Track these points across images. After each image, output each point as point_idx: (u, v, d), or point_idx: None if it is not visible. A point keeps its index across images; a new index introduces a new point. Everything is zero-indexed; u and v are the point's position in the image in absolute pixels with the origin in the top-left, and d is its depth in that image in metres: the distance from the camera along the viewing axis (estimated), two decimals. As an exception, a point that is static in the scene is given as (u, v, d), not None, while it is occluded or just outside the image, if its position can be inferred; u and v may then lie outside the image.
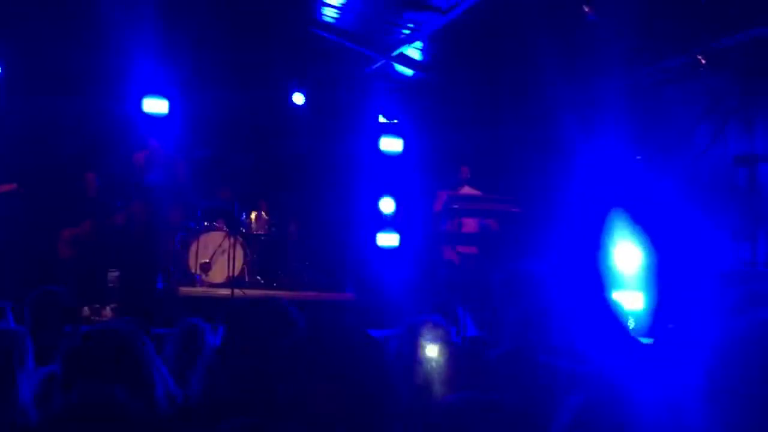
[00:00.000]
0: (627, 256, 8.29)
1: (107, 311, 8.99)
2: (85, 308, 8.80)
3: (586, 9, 7.67)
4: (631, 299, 7.85)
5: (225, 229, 10.15)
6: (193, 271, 10.09)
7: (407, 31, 9.71)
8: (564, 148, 8.61)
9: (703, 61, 7.75)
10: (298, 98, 11.33)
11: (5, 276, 9.06)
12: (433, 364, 3.29)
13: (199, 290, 9.79)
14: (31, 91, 10.37)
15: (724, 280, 3.92)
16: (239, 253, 10.02)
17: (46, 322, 4.93)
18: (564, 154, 8.73)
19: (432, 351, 3.48)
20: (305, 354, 2.08)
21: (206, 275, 10.05)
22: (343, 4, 9.94)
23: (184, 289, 9.58)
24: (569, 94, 9.59)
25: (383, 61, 10.68)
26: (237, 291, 9.02)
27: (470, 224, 9.33)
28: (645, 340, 4.47)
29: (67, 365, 2.73)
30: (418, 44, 10.09)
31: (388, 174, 10.46)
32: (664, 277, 7.83)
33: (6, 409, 3.14)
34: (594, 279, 7.63)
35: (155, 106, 9.34)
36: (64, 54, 10.01)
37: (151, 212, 9.09)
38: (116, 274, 9.83)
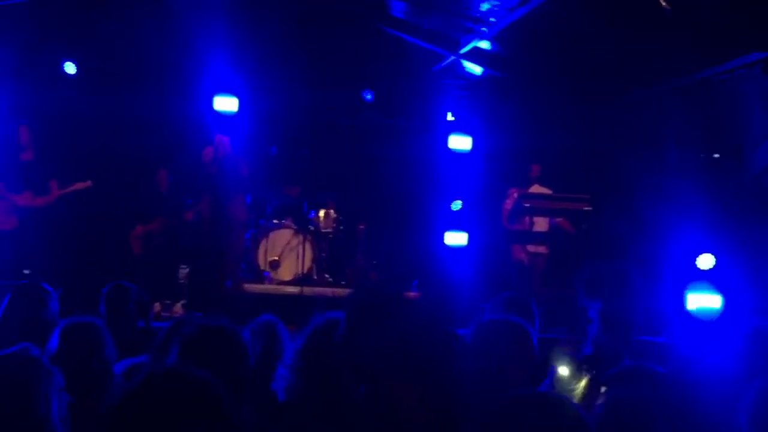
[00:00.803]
0: (703, 258, 8.07)
1: (178, 307, 9.11)
2: (156, 304, 8.93)
3: (663, 3, 7.49)
4: (709, 300, 7.63)
5: (294, 226, 10.18)
6: (261, 268, 10.15)
7: (479, 28, 9.63)
8: (637, 144, 8.48)
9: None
10: (367, 98, 11.33)
11: (80, 271, 9.23)
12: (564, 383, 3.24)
13: (267, 287, 9.85)
14: (105, 90, 10.57)
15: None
16: (308, 250, 10.04)
17: (119, 315, 5.00)
18: (636, 151, 8.59)
19: (564, 370, 3.44)
20: (389, 352, 2.04)
21: (275, 273, 10.10)
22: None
23: (252, 286, 9.64)
24: (642, 90, 9.42)
25: (452, 59, 10.61)
26: (306, 289, 9.05)
27: (541, 223, 9.21)
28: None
29: (182, 355, 2.73)
30: (487, 42, 9.99)
31: (457, 172, 10.36)
32: (736, 280, 7.62)
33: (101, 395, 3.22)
34: (671, 279, 7.46)
35: (226, 104, 9.41)
36: (136, 53, 10.17)
37: (219, 209, 9.17)
38: (186, 270, 9.97)
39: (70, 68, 10.55)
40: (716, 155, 8.31)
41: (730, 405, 2.57)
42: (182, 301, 9.23)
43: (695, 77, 8.57)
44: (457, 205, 10.08)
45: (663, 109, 9.31)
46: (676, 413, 2.31)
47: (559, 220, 9.16)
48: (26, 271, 8.97)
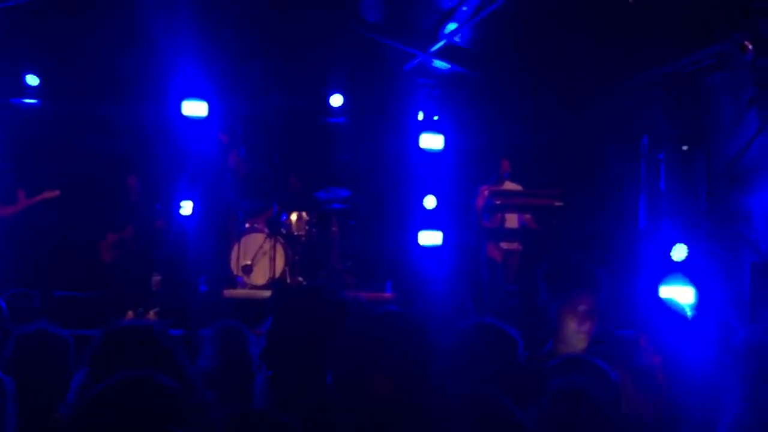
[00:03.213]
0: (676, 249, 8.08)
1: (151, 315, 9.02)
2: (129, 312, 8.84)
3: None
4: (682, 293, 7.65)
5: (266, 230, 10.11)
6: (234, 273, 10.08)
7: (448, 25, 9.64)
8: (607, 138, 8.50)
9: (750, 47, 7.52)
10: (337, 99, 11.32)
11: (51, 280, 9.14)
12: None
13: (241, 292, 9.77)
14: (71, 99, 10.50)
15: None
16: (280, 254, 9.98)
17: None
18: (607, 145, 8.61)
19: None
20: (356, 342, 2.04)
21: (248, 277, 10.03)
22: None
23: (227, 292, 9.56)
24: (611, 84, 9.45)
25: (422, 58, 10.59)
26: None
27: (513, 220, 9.20)
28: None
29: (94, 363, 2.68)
30: (457, 38, 9.99)
31: (430, 171, 10.34)
32: (711, 270, 7.63)
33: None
34: (644, 271, 7.47)
35: (194, 108, 9.33)
36: (101, 60, 10.11)
37: (192, 215, 9.10)
38: (159, 278, 9.89)
39: (32, 80, 10.48)
40: (685, 147, 8.33)
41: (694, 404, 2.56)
42: (156, 309, 9.14)
43: (663, 70, 8.61)
44: (429, 201, 10.07)
45: (633, 102, 9.35)
46: (610, 408, 2.28)
47: (526, 216, 9.16)
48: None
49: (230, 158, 8.96)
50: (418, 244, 9.99)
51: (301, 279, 10.45)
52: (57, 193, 9.55)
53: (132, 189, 10.22)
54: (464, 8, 9.04)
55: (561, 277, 3.77)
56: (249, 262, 10.05)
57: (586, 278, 3.74)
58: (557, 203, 8.50)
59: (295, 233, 10.41)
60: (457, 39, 10.02)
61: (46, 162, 10.29)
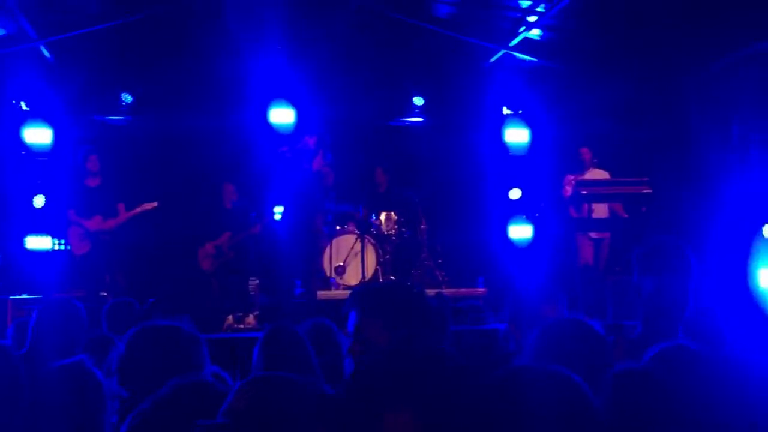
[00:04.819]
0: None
1: (250, 319, 9.26)
2: (229, 317, 9.09)
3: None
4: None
5: (356, 231, 10.27)
6: (327, 274, 10.27)
7: (527, 18, 9.58)
8: (696, 122, 8.30)
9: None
10: (420, 99, 11.41)
11: (154, 290, 9.45)
12: None
13: (334, 293, 9.94)
14: (165, 112, 10.87)
15: None
16: (371, 254, 10.12)
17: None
18: (696, 130, 8.41)
19: None
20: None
21: (341, 278, 10.20)
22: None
23: (321, 293, 9.75)
24: (699, 67, 9.22)
25: (503, 52, 10.56)
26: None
27: (602, 209, 9.09)
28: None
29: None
30: (538, 31, 9.93)
31: (516, 165, 10.30)
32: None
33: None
34: (738, 260, 7.27)
35: (282, 115, 9.57)
36: (192, 72, 10.43)
37: (287, 219, 9.29)
38: (256, 282, 10.15)
39: (127, 98, 10.90)
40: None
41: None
42: (254, 313, 9.37)
43: (754, 48, 8.35)
44: (516, 194, 10.04)
45: (723, 85, 9.10)
46: (711, 397, 2.23)
47: (615, 205, 9.02)
48: (103, 294, 9.25)
49: (316, 162, 9.11)
50: (508, 238, 9.98)
51: (393, 278, 10.57)
52: (155, 204, 9.87)
53: (227, 196, 10.51)
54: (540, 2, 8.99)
55: (655, 258, 3.79)
56: (341, 264, 10.23)
57: (680, 261, 3.75)
58: (646, 190, 8.36)
59: (385, 233, 10.53)
60: (538, 32, 9.97)
61: (143, 175, 10.68)
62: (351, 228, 10.43)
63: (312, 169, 9.05)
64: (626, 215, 9.05)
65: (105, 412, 2.95)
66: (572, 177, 9.20)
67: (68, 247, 9.57)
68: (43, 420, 2.87)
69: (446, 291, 9.93)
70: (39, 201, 9.43)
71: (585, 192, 8.61)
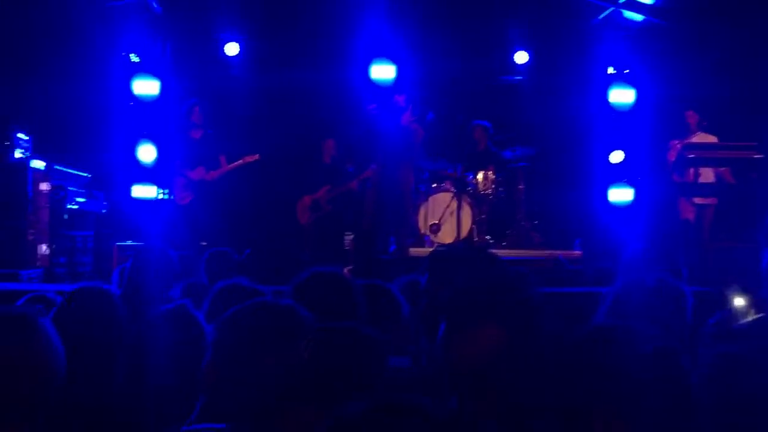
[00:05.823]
0: None
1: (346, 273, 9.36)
2: (322, 270, 9.19)
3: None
4: None
5: (452, 189, 10.22)
6: (422, 232, 10.29)
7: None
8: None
9: None
10: (522, 56, 11.21)
11: (251, 241, 9.66)
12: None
13: (428, 251, 9.94)
14: (267, 67, 11.00)
15: None
16: (467, 213, 10.07)
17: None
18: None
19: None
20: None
21: (435, 236, 10.21)
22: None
23: (414, 250, 9.78)
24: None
25: (611, 9, 10.27)
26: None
27: (708, 174, 8.78)
28: None
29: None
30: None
31: (620, 127, 10.04)
32: None
33: None
34: None
35: (384, 71, 9.56)
36: (294, 27, 10.51)
37: (384, 176, 9.32)
38: (351, 236, 10.26)
39: (231, 49, 11.03)
40: None
41: None
42: (348, 267, 9.47)
43: None
44: (618, 156, 9.80)
45: None
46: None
47: (722, 170, 8.70)
48: (203, 243, 9.49)
49: (405, 118, 9.09)
50: (608, 201, 9.78)
51: (488, 237, 10.52)
52: (256, 157, 10.00)
53: (327, 152, 10.59)
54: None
55: None
56: (437, 221, 10.23)
57: None
58: (757, 155, 8.03)
59: (482, 192, 10.47)
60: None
61: (245, 128, 10.86)
62: (447, 186, 10.39)
63: (401, 125, 9.04)
64: (734, 181, 8.72)
65: (203, 356, 3.04)
66: (677, 142, 8.91)
67: (172, 197, 9.83)
68: (146, 360, 2.98)
69: (541, 252, 9.84)
70: (146, 151, 9.71)
71: (691, 155, 8.33)
